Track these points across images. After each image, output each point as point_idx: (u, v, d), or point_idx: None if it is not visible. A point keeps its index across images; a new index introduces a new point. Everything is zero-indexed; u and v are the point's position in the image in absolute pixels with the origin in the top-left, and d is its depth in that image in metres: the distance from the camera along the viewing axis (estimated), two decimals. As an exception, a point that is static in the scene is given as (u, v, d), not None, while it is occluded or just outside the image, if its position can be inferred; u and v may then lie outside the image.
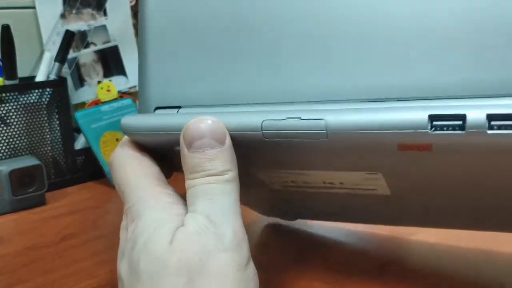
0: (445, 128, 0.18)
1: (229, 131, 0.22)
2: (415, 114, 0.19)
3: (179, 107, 0.25)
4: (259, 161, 0.25)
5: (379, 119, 0.19)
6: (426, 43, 0.20)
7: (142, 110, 0.26)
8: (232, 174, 0.22)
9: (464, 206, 0.26)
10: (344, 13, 0.21)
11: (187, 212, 0.22)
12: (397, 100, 0.20)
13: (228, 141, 0.22)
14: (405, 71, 0.20)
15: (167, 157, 0.25)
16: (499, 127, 0.18)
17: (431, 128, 0.19)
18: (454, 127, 0.18)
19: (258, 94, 0.23)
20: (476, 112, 0.18)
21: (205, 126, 0.22)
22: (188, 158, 0.22)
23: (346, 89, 0.21)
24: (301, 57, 0.22)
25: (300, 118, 0.21)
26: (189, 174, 0.22)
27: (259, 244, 0.36)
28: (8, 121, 0.47)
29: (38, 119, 0.49)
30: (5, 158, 0.47)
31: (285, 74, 0.23)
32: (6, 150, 0.47)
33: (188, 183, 0.22)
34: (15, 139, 0.48)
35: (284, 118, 0.21)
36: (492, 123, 0.18)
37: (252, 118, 0.22)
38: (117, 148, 0.25)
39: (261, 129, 0.21)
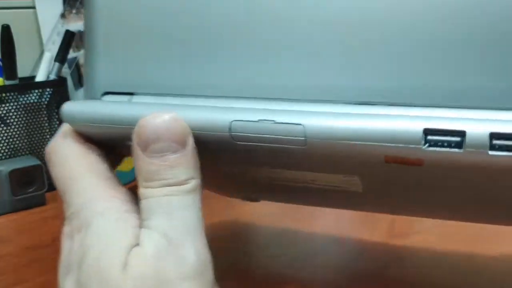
0: (440, 144, 0.16)
1: (192, 130, 0.19)
2: (408, 126, 0.16)
3: (131, 94, 0.21)
4: (225, 160, 0.22)
5: (367, 129, 0.16)
6: (426, 43, 0.17)
7: (88, 94, 0.22)
8: (195, 182, 0.19)
9: (436, 207, 0.25)
10: (333, 2, 0.18)
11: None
12: (388, 105, 0.18)
13: (190, 143, 0.19)
14: (398, 72, 0.17)
15: (116, 148, 0.22)
16: (501, 148, 0.15)
17: (425, 143, 0.16)
18: (450, 144, 0.16)
19: (227, 85, 0.20)
20: (477, 128, 0.16)
21: (164, 125, 0.18)
22: (143, 162, 0.19)
23: (330, 87, 0.18)
24: (280, 46, 0.19)
25: (274, 121, 0.18)
26: (143, 181, 0.19)
27: (260, 244, 0.36)
28: (8, 121, 0.47)
29: (38, 119, 0.49)
30: (5, 158, 0.47)
31: (260, 65, 0.19)
32: (6, 150, 0.47)
33: (142, 192, 0.19)
34: (15, 139, 0.48)
35: (257, 119, 0.18)
36: (494, 142, 0.15)
37: (219, 117, 0.19)
38: (56, 138, 0.21)
39: (230, 131, 0.18)
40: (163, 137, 0.18)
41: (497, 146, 0.15)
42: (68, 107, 0.20)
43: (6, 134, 0.47)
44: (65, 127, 0.21)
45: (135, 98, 0.21)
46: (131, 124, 0.19)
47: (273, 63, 0.19)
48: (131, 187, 0.21)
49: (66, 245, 0.20)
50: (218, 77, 0.20)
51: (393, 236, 0.36)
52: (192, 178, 0.19)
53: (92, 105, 0.20)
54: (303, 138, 0.17)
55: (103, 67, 0.21)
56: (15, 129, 0.47)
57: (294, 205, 0.33)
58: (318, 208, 0.37)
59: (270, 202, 0.32)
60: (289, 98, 0.19)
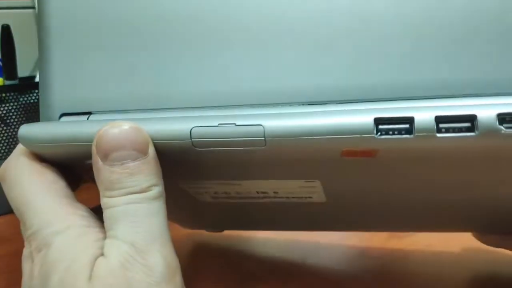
0: (391, 132, 0.17)
1: (153, 140, 0.19)
2: (359, 118, 0.17)
3: (89, 113, 0.21)
4: (187, 172, 0.22)
5: (322, 124, 0.18)
6: (368, 41, 0.19)
7: (44, 118, 0.21)
8: (158, 189, 0.19)
9: (402, 211, 0.26)
10: (282, 5, 0.19)
11: (105, 237, 0.19)
12: (339, 103, 0.19)
13: (151, 150, 0.19)
14: (345, 71, 0.19)
15: (74, 169, 0.22)
16: (447, 130, 0.17)
17: (377, 132, 0.17)
18: (401, 131, 0.17)
19: (184, 97, 0.20)
20: (424, 114, 0.17)
21: (123, 133, 0.18)
22: (104, 172, 0.18)
23: (284, 91, 0.19)
24: (233, 54, 0.20)
25: (235, 124, 0.18)
26: (105, 191, 0.19)
27: (259, 244, 0.36)
28: (8, 121, 0.47)
29: (38, 119, 0.49)
30: (5, 158, 0.47)
31: (214, 74, 0.20)
32: (6, 150, 0.47)
33: (105, 202, 0.19)
34: (15, 139, 0.48)
35: (217, 124, 0.18)
36: (441, 125, 0.17)
37: (179, 125, 0.19)
38: (10, 159, 0.21)
39: (190, 137, 0.19)
40: (123, 145, 0.18)
41: (443, 129, 0.17)
42: (25, 129, 0.20)
43: (6, 134, 0.47)
44: (18, 148, 0.21)
45: (93, 117, 0.21)
46: (89, 140, 0.19)
47: (228, 70, 0.20)
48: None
49: (27, 268, 0.19)
50: (175, 88, 0.20)
51: (393, 236, 0.36)
52: (155, 185, 0.19)
53: (49, 125, 0.20)
54: (262, 138, 0.18)
55: (59, 89, 0.21)
56: (15, 129, 0.47)
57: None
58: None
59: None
60: (246, 104, 0.20)
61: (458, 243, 0.34)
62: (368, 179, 0.21)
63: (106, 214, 0.19)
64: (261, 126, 0.18)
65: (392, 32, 0.19)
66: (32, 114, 0.48)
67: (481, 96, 0.18)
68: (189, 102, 0.20)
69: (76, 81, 0.21)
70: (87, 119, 0.21)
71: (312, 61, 0.19)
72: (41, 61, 0.21)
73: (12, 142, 0.47)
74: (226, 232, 0.36)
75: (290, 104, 0.19)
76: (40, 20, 0.21)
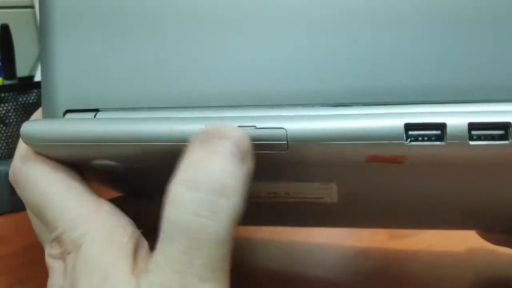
0: (421, 138, 0.16)
1: (166, 141, 0.18)
2: (389, 122, 0.16)
3: (96, 110, 0.19)
4: None
5: (348, 128, 0.17)
6: (395, 42, 0.18)
7: (47, 114, 0.20)
8: (236, 207, 0.16)
9: (410, 211, 0.26)
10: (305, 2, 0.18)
11: (134, 232, 0.18)
12: (364, 105, 0.18)
13: (249, 166, 0.17)
14: (371, 72, 0.18)
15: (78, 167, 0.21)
16: (479, 137, 0.16)
17: (407, 139, 0.16)
18: (431, 138, 0.16)
19: (199, 95, 0.19)
20: (456, 120, 0.16)
21: (236, 131, 0.17)
22: (198, 153, 0.16)
23: (305, 91, 0.18)
24: (252, 52, 0.18)
25: (255, 126, 0.17)
26: (185, 173, 0.17)
27: (258, 243, 0.36)
28: (7, 121, 0.47)
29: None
30: (4, 158, 0.47)
31: (232, 72, 0.19)
32: (5, 150, 0.47)
33: (176, 190, 0.16)
34: (14, 139, 0.47)
35: (235, 126, 0.17)
36: (473, 132, 0.16)
37: (194, 126, 0.17)
38: (18, 161, 0.20)
39: None
40: (231, 136, 0.17)
41: (475, 137, 0.16)
42: (27, 127, 0.19)
43: (5, 134, 0.47)
44: (22, 149, 0.20)
45: (100, 114, 0.19)
46: (98, 140, 0.18)
47: (248, 70, 0.19)
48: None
49: (58, 267, 0.19)
50: (188, 87, 0.19)
51: (394, 236, 0.35)
52: (237, 202, 0.17)
53: (54, 123, 0.19)
54: (285, 142, 0.17)
55: (63, 84, 0.19)
56: (15, 129, 0.47)
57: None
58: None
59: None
60: (266, 104, 0.18)
61: (460, 243, 0.33)
62: (389, 183, 0.21)
63: (166, 214, 0.16)
64: (284, 130, 0.17)
65: (422, 31, 0.18)
66: (31, 114, 0.48)
67: None
68: (203, 101, 0.19)
69: (82, 74, 0.19)
70: (94, 116, 0.19)
71: (336, 61, 0.18)
72: (43, 53, 0.20)
73: (11, 142, 0.47)
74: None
75: (312, 105, 0.18)
76: (43, 10, 0.20)
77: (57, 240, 0.19)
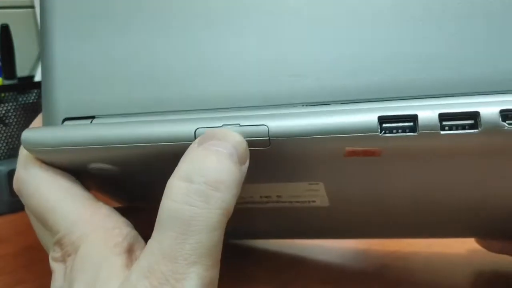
0: (395, 131, 0.17)
1: (157, 142, 0.19)
2: (363, 116, 0.17)
3: (92, 117, 0.21)
4: None
5: (325, 123, 0.18)
6: (370, 40, 0.19)
7: (47, 122, 0.21)
8: (230, 200, 0.18)
9: (405, 217, 0.26)
10: (285, 6, 0.19)
11: (131, 233, 0.19)
12: (342, 103, 0.19)
13: (246, 166, 0.18)
14: (347, 71, 0.19)
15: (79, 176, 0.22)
16: (451, 127, 0.17)
17: (381, 131, 0.17)
18: (405, 129, 0.17)
19: (187, 100, 0.20)
20: (427, 112, 0.17)
21: (231, 134, 0.18)
22: (195, 152, 0.18)
23: (286, 92, 0.19)
24: (236, 58, 0.20)
25: (239, 124, 0.18)
26: (181, 171, 0.18)
27: (258, 244, 0.36)
28: (7, 121, 0.47)
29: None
30: (4, 158, 0.47)
31: (218, 77, 0.20)
32: (5, 150, 0.47)
33: (173, 184, 0.18)
34: (14, 139, 0.47)
35: (221, 125, 0.18)
36: (444, 123, 0.17)
37: (183, 127, 0.19)
38: (20, 170, 0.21)
39: (195, 138, 0.19)
40: (227, 137, 0.18)
41: (446, 127, 0.17)
42: (28, 133, 0.20)
43: (5, 134, 0.47)
44: (24, 157, 0.21)
45: (96, 121, 0.21)
46: (93, 143, 0.19)
47: (232, 73, 0.20)
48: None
49: (59, 270, 0.19)
50: (177, 91, 0.20)
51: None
52: (233, 194, 0.18)
53: (52, 130, 0.20)
54: (267, 138, 0.18)
55: (61, 94, 0.21)
56: (14, 129, 0.47)
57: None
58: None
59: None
60: (249, 106, 0.20)
61: (460, 243, 0.33)
62: (372, 180, 0.21)
63: (161, 205, 0.17)
64: (265, 126, 0.18)
65: (394, 31, 0.19)
66: (31, 113, 0.48)
67: (484, 94, 0.18)
68: (192, 105, 0.20)
69: (79, 85, 0.21)
70: (91, 122, 0.20)
71: (314, 61, 0.19)
72: (44, 65, 0.21)
73: (11, 142, 0.47)
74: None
75: (294, 105, 0.19)
76: (42, 23, 0.21)
77: (59, 243, 0.20)
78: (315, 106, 0.19)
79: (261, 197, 0.24)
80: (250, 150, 0.18)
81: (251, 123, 0.18)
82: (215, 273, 0.17)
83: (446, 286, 0.29)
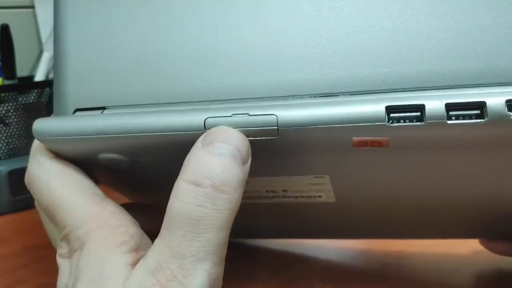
0: (402, 120, 0.17)
1: (166, 131, 0.19)
2: (371, 106, 0.18)
3: (103, 108, 0.21)
4: None
5: (333, 113, 0.18)
6: (377, 32, 0.19)
7: (58, 113, 0.22)
8: (237, 197, 0.18)
9: (410, 215, 0.26)
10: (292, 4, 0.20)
11: (137, 232, 0.19)
12: (350, 94, 0.19)
13: (249, 165, 0.19)
14: (355, 63, 0.19)
15: (90, 170, 0.22)
16: (457, 117, 0.17)
17: (389, 120, 0.18)
18: (412, 119, 0.17)
19: (197, 91, 0.20)
20: (434, 102, 0.17)
21: (236, 134, 0.18)
22: (200, 155, 0.18)
23: (295, 84, 0.20)
24: (245, 50, 0.20)
25: (248, 114, 0.19)
26: (188, 173, 0.18)
27: (257, 244, 0.36)
28: (7, 121, 0.47)
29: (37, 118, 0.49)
30: (4, 158, 0.47)
31: (228, 69, 0.20)
32: (5, 150, 0.47)
33: (180, 186, 0.18)
34: (14, 139, 0.47)
35: (230, 114, 0.19)
36: (451, 113, 0.17)
37: (193, 116, 0.19)
38: (32, 164, 0.21)
39: (205, 128, 0.19)
40: (231, 139, 0.18)
41: (453, 117, 0.17)
42: (40, 123, 0.20)
43: (5, 134, 0.47)
44: (36, 150, 0.21)
45: (106, 111, 0.21)
46: (103, 132, 0.19)
47: (241, 64, 0.20)
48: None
49: (65, 266, 0.20)
50: (188, 83, 0.20)
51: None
52: (237, 193, 0.18)
53: (63, 119, 0.20)
54: (275, 128, 0.18)
55: (72, 85, 0.21)
56: (14, 129, 0.47)
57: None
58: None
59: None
60: (258, 97, 0.20)
61: (461, 243, 0.33)
62: (379, 174, 0.21)
63: (170, 206, 0.18)
64: (274, 116, 0.18)
65: (399, 23, 0.19)
66: (31, 113, 0.48)
67: (490, 85, 0.18)
68: (202, 96, 0.20)
69: (89, 76, 0.21)
70: (101, 113, 0.21)
71: (322, 53, 0.19)
72: (56, 57, 0.22)
73: (11, 142, 0.47)
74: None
75: (302, 96, 0.19)
76: (55, 16, 0.22)
77: (65, 239, 0.20)
78: (324, 97, 0.19)
79: (267, 191, 0.24)
80: (258, 140, 0.19)
81: (260, 113, 0.19)
82: (220, 269, 0.18)
83: (447, 286, 0.29)
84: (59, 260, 0.20)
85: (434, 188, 0.23)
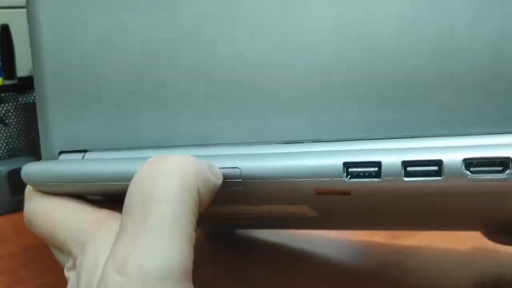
0: (361, 175, 0.18)
1: (125, 181, 0.19)
2: (330, 161, 0.18)
3: (85, 151, 0.22)
4: None
5: (295, 168, 0.18)
6: (340, 84, 0.19)
7: (45, 153, 0.23)
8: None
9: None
10: (262, 48, 0.20)
11: None
12: (313, 142, 0.19)
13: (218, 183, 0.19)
14: (319, 112, 0.19)
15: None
16: (415, 173, 0.17)
17: (347, 176, 0.18)
18: (370, 174, 0.18)
19: (166, 136, 0.21)
20: (391, 158, 0.17)
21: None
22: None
23: (260, 131, 0.20)
24: (211, 97, 0.20)
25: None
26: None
27: (257, 244, 0.36)
28: (7, 121, 0.47)
29: (37, 119, 0.49)
30: (4, 158, 0.47)
31: (195, 116, 0.21)
32: (5, 150, 0.47)
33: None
34: (14, 139, 0.47)
35: None
36: (409, 169, 0.17)
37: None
38: (27, 204, 0.22)
39: None
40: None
41: (411, 173, 0.17)
42: (27, 169, 0.22)
43: (5, 134, 0.47)
44: (29, 195, 0.22)
45: (88, 155, 0.22)
46: (84, 181, 0.20)
47: (208, 113, 0.20)
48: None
49: (72, 277, 0.20)
50: (160, 129, 0.21)
51: (394, 236, 0.36)
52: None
53: (47, 165, 0.22)
54: (240, 180, 0.19)
55: (56, 128, 0.22)
56: (14, 129, 0.47)
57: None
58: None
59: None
60: (221, 143, 0.20)
61: (462, 243, 0.34)
62: (348, 209, 0.22)
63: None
64: (238, 169, 0.19)
65: (359, 73, 0.19)
66: (31, 113, 0.48)
67: (449, 136, 0.18)
68: (169, 141, 0.21)
69: (72, 121, 0.22)
70: (82, 157, 0.22)
71: (285, 102, 0.19)
72: (39, 101, 0.23)
73: (11, 142, 0.47)
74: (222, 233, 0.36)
75: (266, 143, 0.20)
76: (34, 64, 0.22)
77: (68, 252, 0.20)
78: (288, 145, 0.20)
79: (252, 213, 0.25)
80: (224, 189, 0.19)
81: (225, 165, 0.19)
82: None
83: (447, 286, 0.29)
84: (67, 274, 0.20)
85: (408, 220, 0.23)
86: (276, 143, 0.20)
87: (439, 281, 0.30)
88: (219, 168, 0.19)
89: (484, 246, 0.31)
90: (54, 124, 0.23)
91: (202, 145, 0.20)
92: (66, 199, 0.21)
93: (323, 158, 0.18)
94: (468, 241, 0.32)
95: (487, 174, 0.16)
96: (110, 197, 0.22)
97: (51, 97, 0.22)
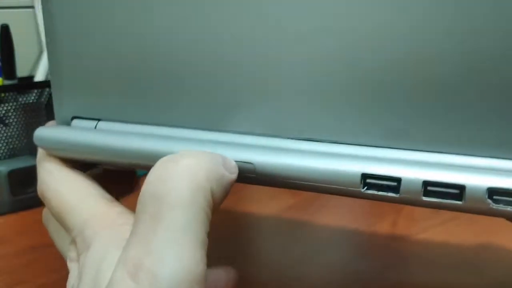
0: (379, 187, 0.17)
1: (139, 159, 0.20)
2: (348, 169, 0.17)
3: (98, 119, 0.22)
4: None
5: (311, 169, 0.18)
6: (370, 88, 0.18)
7: (58, 117, 0.23)
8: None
9: None
10: (284, 40, 0.19)
11: None
12: (332, 143, 0.19)
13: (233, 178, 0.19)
14: (343, 113, 0.18)
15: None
16: (435, 194, 0.16)
17: (364, 186, 0.17)
18: (387, 187, 0.17)
19: (180, 116, 0.21)
20: (412, 175, 0.17)
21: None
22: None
23: (279, 123, 0.19)
24: (233, 84, 0.20)
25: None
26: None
27: (258, 245, 0.36)
28: (7, 121, 0.47)
29: (37, 119, 0.49)
30: (4, 158, 0.47)
31: (214, 99, 0.20)
32: (5, 150, 0.47)
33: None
34: (14, 139, 0.47)
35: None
36: (429, 188, 0.16)
37: (166, 148, 0.19)
38: (40, 172, 0.22)
39: None
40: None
41: (430, 192, 0.16)
42: (39, 133, 0.22)
43: (5, 134, 0.47)
44: (42, 161, 0.22)
45: (100, 124, 0.22)
46: (96, 153, 0.20)
47: (226, 97, 0.20)
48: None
49: (74, 269, 0.20)
50: (175, 108, 0.21)
51: (394, 236, 0.36)
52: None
53: (59, 131, 0.22)
54: (254, 176, 0.19)
55: (70, 94, 0.22)
56: (14, 129, 0.47)
57: (294, 206, 0.33)
58: (319, 209, 0.37)
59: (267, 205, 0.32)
60: (238, 131, 0.20)
61: (462, 243, 0.34)
62: None
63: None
64: (252, 165, 0.18)
65: (386, 79, 0.18)
66: (31, 113, 0.48)
67: (474, 156, 0.17)
68: (186, 122, 0.21)
69: (86, 89, 0.22)
70: (95, 126, 0.22)
71: (308, 98, 0.19)
72: (52, 66, 0.22)
73: (11, 142, 0.47)
74: (222, 232, 0.36)
75: (282, 137, 0.19)
76: (47, 30, 0.22)
77: (73, 242, 0.20)
78: (304, 142, 0.19)
79: None
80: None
81: (239, 159, 0.19)
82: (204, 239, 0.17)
83: (447, 286, 0.29)
84: (69, 264, 0.21)
85: None
86: (294, 139, 0.19)
87: (439, 282, 0.30)
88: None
89: (484, 246, 0.31)
90: (68, 89, 0.22)
91: (218, 130, 0.20)
92: (80, 178, 0.21)
93: (341, 165, 0.17)
94: (468, 242, 0.32)
95: (510, 207, 0.16)
96: (121, 168, 0.22)
97: (65, 62, 0.22)
